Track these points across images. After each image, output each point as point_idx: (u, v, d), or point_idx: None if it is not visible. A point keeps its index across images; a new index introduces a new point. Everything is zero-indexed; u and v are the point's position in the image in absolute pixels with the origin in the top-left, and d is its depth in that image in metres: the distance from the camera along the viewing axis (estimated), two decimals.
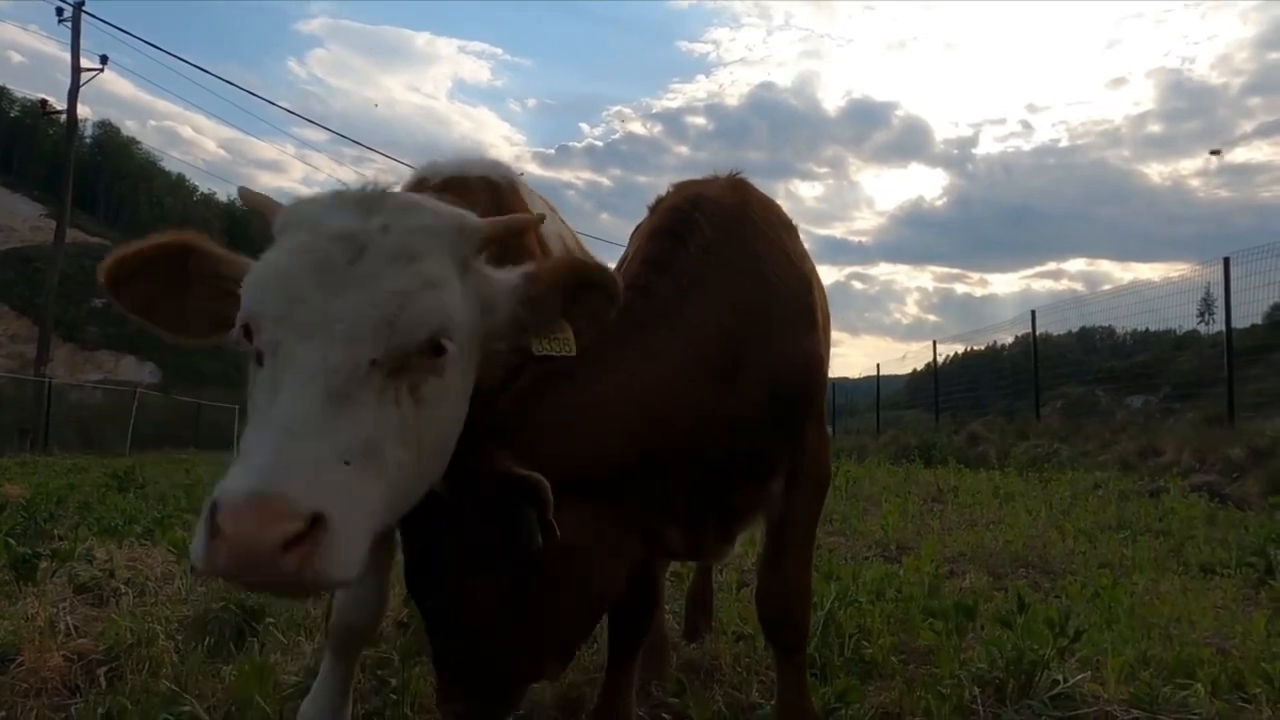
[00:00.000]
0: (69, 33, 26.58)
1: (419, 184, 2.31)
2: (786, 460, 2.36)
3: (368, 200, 1.57)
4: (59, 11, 26.51)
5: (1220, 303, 14.55)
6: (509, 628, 1.81)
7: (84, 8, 26.54)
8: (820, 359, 2.41)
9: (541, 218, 1.81)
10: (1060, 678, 2.91)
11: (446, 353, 1.51)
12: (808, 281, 2.46)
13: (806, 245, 3.17)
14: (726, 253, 2.26)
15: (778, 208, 2.64)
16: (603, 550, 1.95)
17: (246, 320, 1.47)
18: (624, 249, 2.74)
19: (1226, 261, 14.24)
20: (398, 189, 2.50)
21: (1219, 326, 15.01)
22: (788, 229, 2.58)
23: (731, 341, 2.16)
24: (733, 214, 2.36)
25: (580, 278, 1.79)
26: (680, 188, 2.55)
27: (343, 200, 1.57)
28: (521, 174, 2.84)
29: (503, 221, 1.71)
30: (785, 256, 2.41)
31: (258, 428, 1.34)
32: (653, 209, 2.57)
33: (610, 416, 1.95)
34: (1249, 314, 15.14)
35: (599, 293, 1.78)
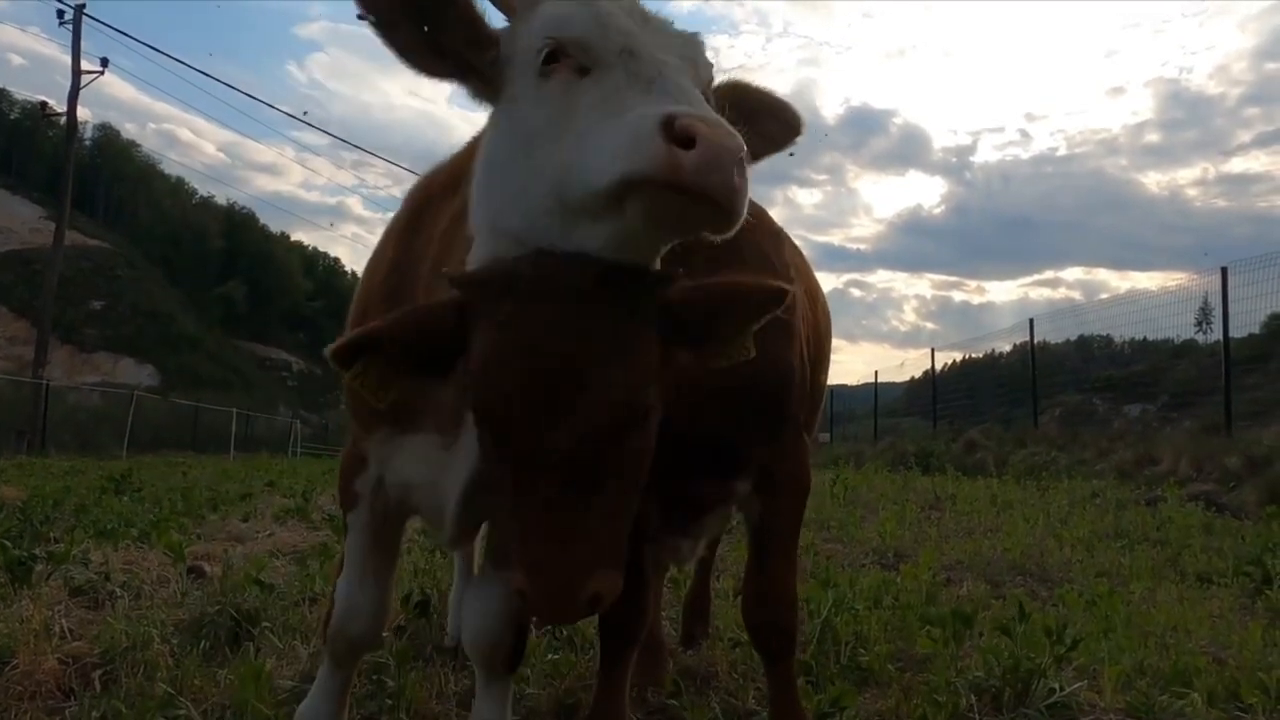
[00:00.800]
0: (69, 35, 26.65)
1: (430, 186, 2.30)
2: (756, 462, 2.36)
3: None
4: (60, 14, 26.58)
5: (1218, 312, 14.60)
6: (650, 434, 1.63)
7: (85, 10, 26.60)
8: (791, 367, 2.38)
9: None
10: (1057, 686, 2.91)
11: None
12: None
13: (806, 253, 3.17)
14: (715, 252, 2.26)
15: (767, 215, 2.64)
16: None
17: (559, 45, 1.45)
18: None
19: (1224, 271, 14.29)
20: (400, 190, 2.48)
21: (1217, 336, 15.08)
22: (774, 235, 2.57)
23: None
24: None
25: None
26: None
27: None
28: None
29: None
30: (765, 261, 2.41)
31: (635, 104, 1.35)
32: None
33: None
34: (1246, 323, 15.21)
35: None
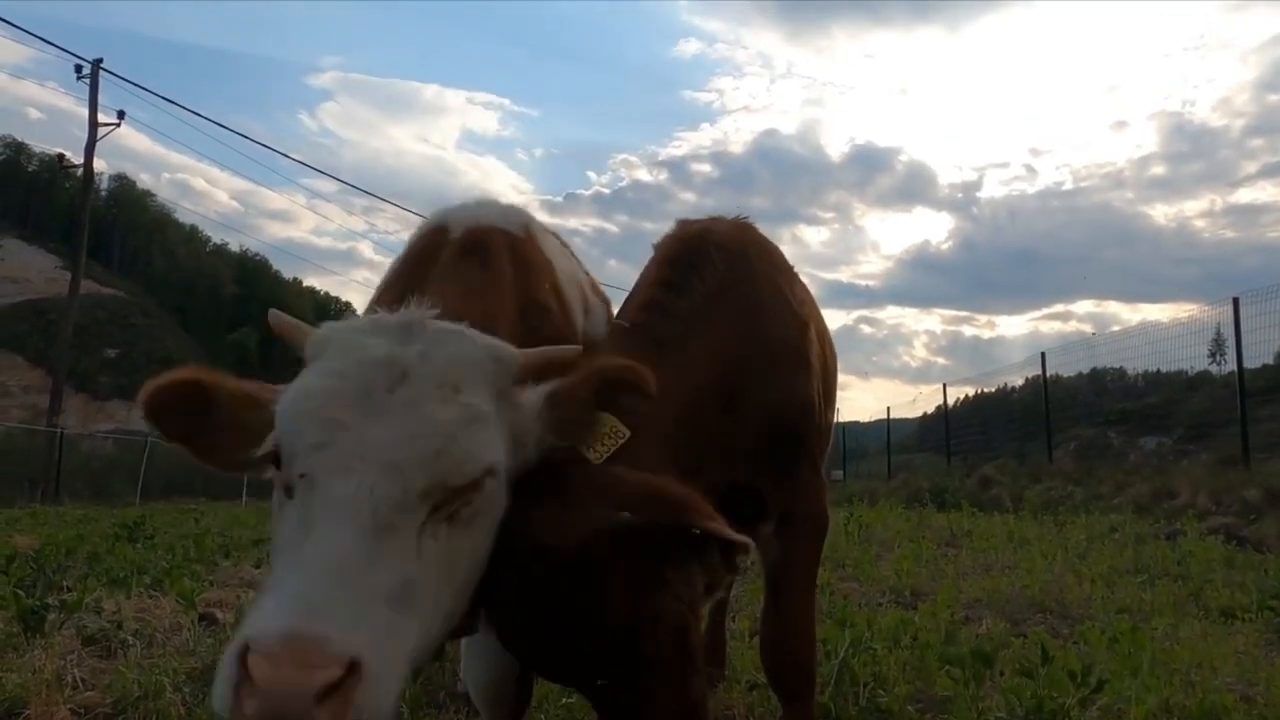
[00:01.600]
0: (86, 88, 27.15)
1: (437, 234, 2.32)
2: (779, 503, 2.35)
3: (406, 326, 1.52)
4: (78, 69, 27.08)
5: (1231, 343, 14.52)
6: (686, 630, 1.69)
7: (102, 65, 27.14)
8: (811, 401, 2.41)
9: (578, 350, 1.73)
10: None
11: (485, 488, 1.46)
12: (804, 326, 2.48)
13: (814, 290, 3.18)
14: (729, 293, 2.30)
15: (778, 251, 2.67)
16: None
17: (278, 447, 1.41)
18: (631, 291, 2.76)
19: (1236, 302, 14.23)
20: (409, 233, 2.50)
21: (1230, 367, 14.98)
22: (787, 273, 2.61)
23: (732, 377, 2.19)
24: (736, 256, 2.39)
25: (609, 383, 1.71)
26: (684, 225, 2.56)
27: (379, 326, 1.53)
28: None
29: (539, 355, 1.64)
30: (784, 300, 2.45)
31: (291, 564, 1.27)
32: (657, 247, 2.59)
33: (655, 429, 1.92)
34: (1260, 354, 15.13)
35: (630, 391, 1.72)
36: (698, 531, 1.60)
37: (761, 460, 2.26)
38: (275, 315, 1.63)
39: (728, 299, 2.28)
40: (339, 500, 1.29)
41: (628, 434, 1.74)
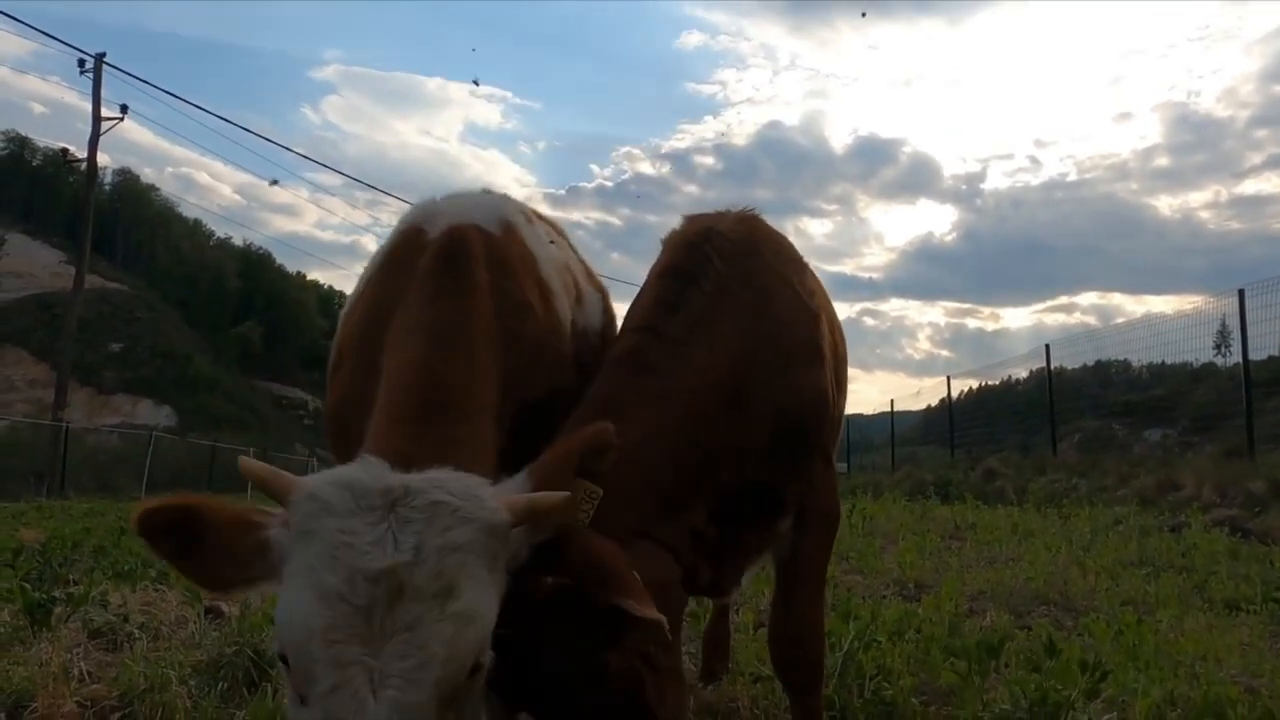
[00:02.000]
0: (89, 83, 27.17)
1: (413, 234, 2.32)
2: (795, 497, 2.35)
3: (390, 498, 1.49)
4: (81, 63, 27.09)
5: (1236, 335, 14.48)
6: (643, 684, 1.75)
7: (105, 59, 27.15)
8: (824, 392, 2.41)
9: (564, 499, 1.68)
10: (1086, 718, 2.86)
11: (484, 664, 1.51)
12: (815, 316, 2.48)
13: (822, 282, 3.17)
14: (736, 288, 2.30)
15: (787, 243, 2.66)
16: (674, 581, 1.99)
17: (285, 657, 1.44)
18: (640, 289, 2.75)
19: (1241, 294, 14.19)
20: (395, 224, 2.49)
21: (1236, 358, 14.94)
22: (796, 264, 2.60)
23: (740, 374, 2.20)
24: (743, 249, 2.39)
25: (579, 467, 1.75)
26: (692, 221, 2.57)
27: (363, 500, 1.49)
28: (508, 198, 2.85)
29: (527, 506, 1.62)
30: (793, 291, 2.44)
31: None
32: (665, 244, 2.60)
33: (644, 466, 1.97)
34: (1265, 346, 15.04)
35: (595, 454, 1.76)
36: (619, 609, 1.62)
37: (775, 456, 2.26)
38: (245, 464, 1.61)
39: (733, 296, 2.28)
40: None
41: (600, 492, 1.76)
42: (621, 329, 2.45)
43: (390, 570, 1.41)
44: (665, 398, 2.07)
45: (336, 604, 1.39)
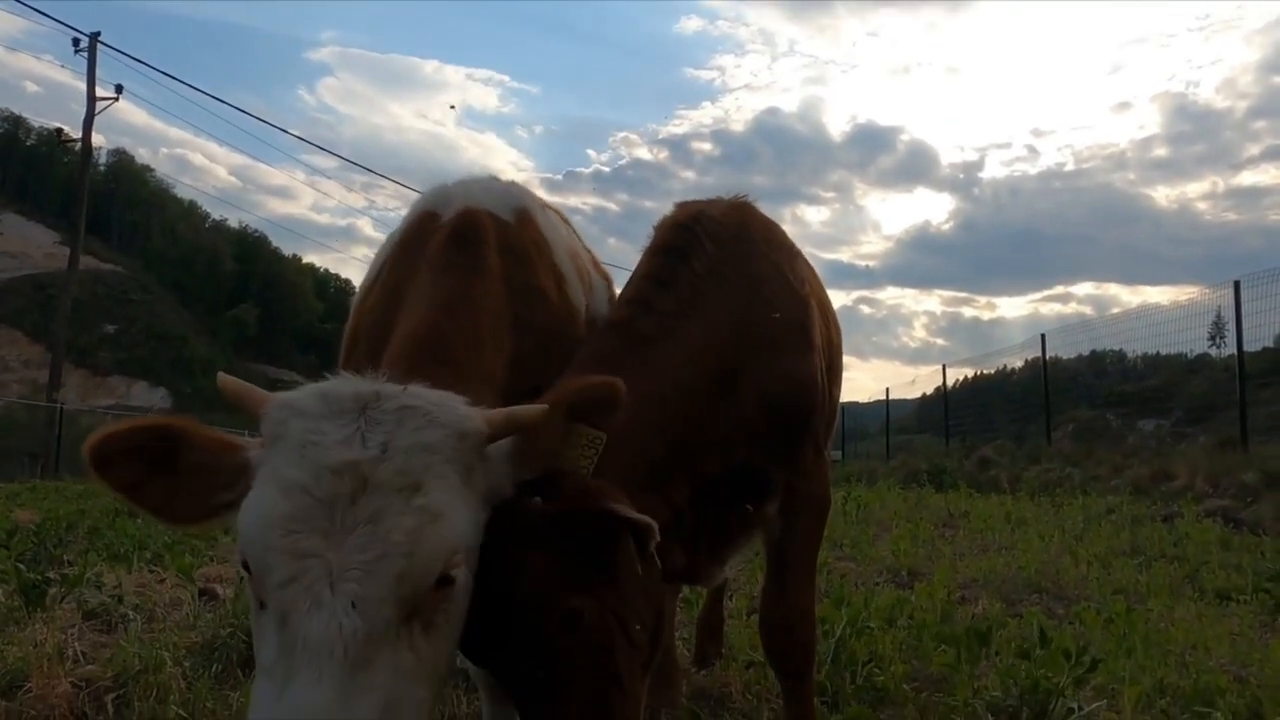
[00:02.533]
0: (84, 62, 26.98)
1: (427, 219, 2.31)
2: (783, 482, 2.35)
3: (361, 402, 1.47)
4: (75, 42, 26.89)
5: (1231, 326, 14.51)
6: (610, 646, 1.71)
7: (100, 38, 26.96)
8: (813, 379, 2.39)
9: (544, 410, 1.65)
10: (1075, 706, 2.88)
11: (457, 580, 1.47)
12: (805, 304, 2.46)
13: (816, 270, 3.17)
14: (727, 271, 2.29)
15: (779, 230, 2.65)
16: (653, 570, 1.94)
17: (246, 562, 1.40)
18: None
19: (1237, 285, 14.20)
20: (404, 211, 2.47)
21: (1230, 350, 14.97)
22: (788, 251, 2.59)
23: (729, 358, 2.19)
24: (735, 234, 2.38)
25: (576, 406, 1.70)
26: (684, 207, 2.56)
27: (335, 404, 1.47)
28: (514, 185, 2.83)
29: (505, 419, 1.59)
30: (783, 278, 2.43)
31: (272, 697, 1.29)
32: (657, 227, 2.59)
33: (631, 433, 1.93)
34: (1260, 337, 15.09)
35: (602, 407, 1.72)
36: (603, 514, 1.61)
37: (764, 440, 2.26)
38: (224, 379, 1.59)
39: (723, 280, 2.27)
40: (313, 641, 1.29)
41: (604, 438, 1.74)
42: (595, 329, 2.42)
43: (354, 463, 1.39)
44: (655, 367, 2.06)
45: (298, 496, 1.37)
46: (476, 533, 1.54)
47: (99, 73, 27.16)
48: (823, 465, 2.52)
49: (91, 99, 27.28)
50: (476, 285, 2.07)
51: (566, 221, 2.92)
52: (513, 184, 2.71)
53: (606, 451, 1.86)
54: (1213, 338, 17.24)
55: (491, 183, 2.62)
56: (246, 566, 1.39)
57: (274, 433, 1.46)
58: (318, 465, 1.38)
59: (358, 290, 2.63)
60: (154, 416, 1.54)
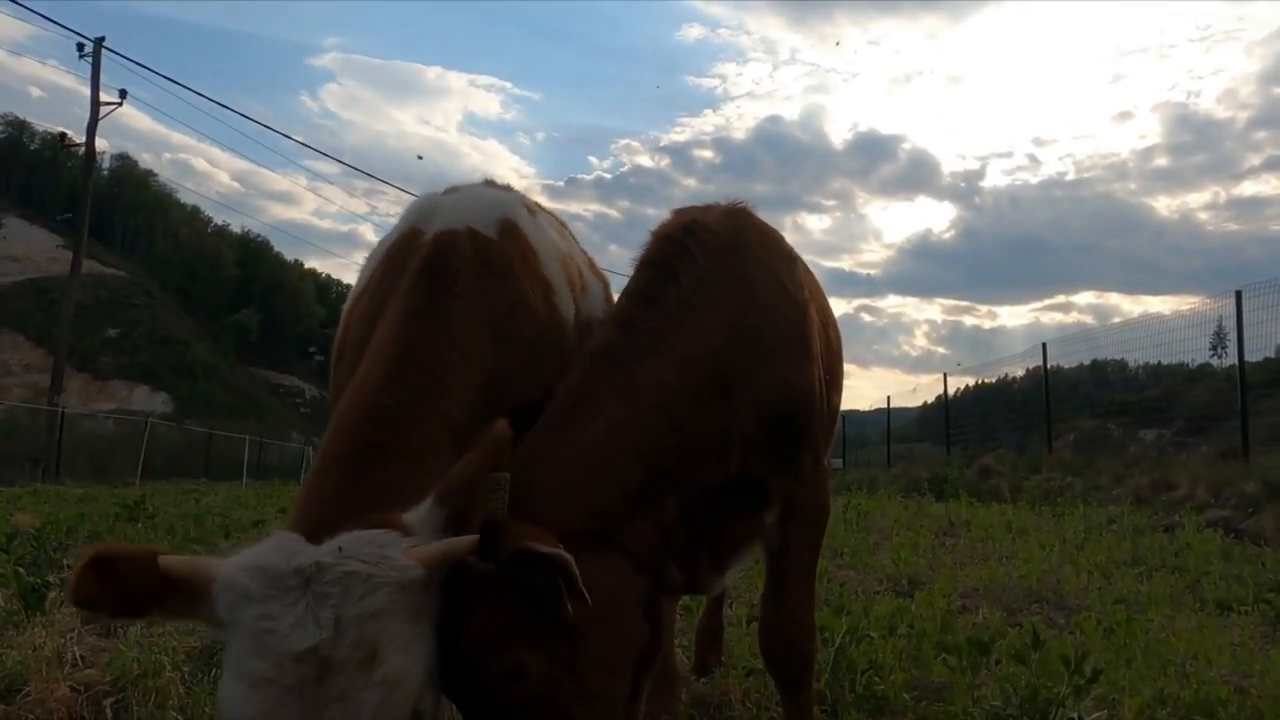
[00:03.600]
0: (88, 67, 27.06)
1: (412, 236, 2.32)
2: (781, 492, 2.34)
3: (303, 576, 1.51)
4: (80, 47, 26.98)
5: (1233, 336, 14.51)
6: (564, 698, 1.73)
7: (104, 43, 27.05)
8: (811, 388, 2.37)
9: (473, 541, 1.67)
10: (1076, 716, 2.87)
11: (425, 712, 1.58)
12: (803, 310, 2.43)
13: (817, 277, 3.16)
14: (719, 280, 2.26)
15: (777, 237, 2.62)
16: (629, 598, 1.93)
17: None
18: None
19: (1239, 295, 14.20)
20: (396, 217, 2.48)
21: (1232, 360, 14.97)
22: (786, 258, 2.55)
23: (721, 366, 2.16)
24: (728, 242, 2.35)
25: (481, 477, 1.75)
26: (678, 214, 2.55)
27: (277, 583, 1.51)
28: (510, 189, 2.81)
29: (438, 554, 1.62)
30: (780, 285, 2.40)
31: None
32: (650, 235, 2.57)
33: (603, 462, 1.94)
34: (1261, 347, 15.09)
35: (498, 457, 1.78)
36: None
37: (759, 451, 2.24)
38: (165, 560, 1.58)
39: (717, 289, 2.25)
40: None
41: (506, 477, 1.76)
42: (577, 356, 2.35)
43: (313, 649, 1.45)
44: (636, 391, 2.05)
45: (267, 688, 1.44)
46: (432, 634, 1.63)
47: (103, 77, 27.28)
48: (822, 473, 2.50)
49: (95, 104, 27.36)
50: (438, 325, 2.07)
51: (563, 225, 2.91)
52: (503, 191, 2.70)
53: (577, 488, 1.89)
54: (1214, 347, 17.25)
55: (479, 193, 2.60)
56: None
57: (228, 618, 1.52)
58: (278, 654, 1.46)
59: (349, 294, 2.65)
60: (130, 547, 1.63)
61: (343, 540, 1.57)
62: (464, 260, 2.19)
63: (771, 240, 2.56)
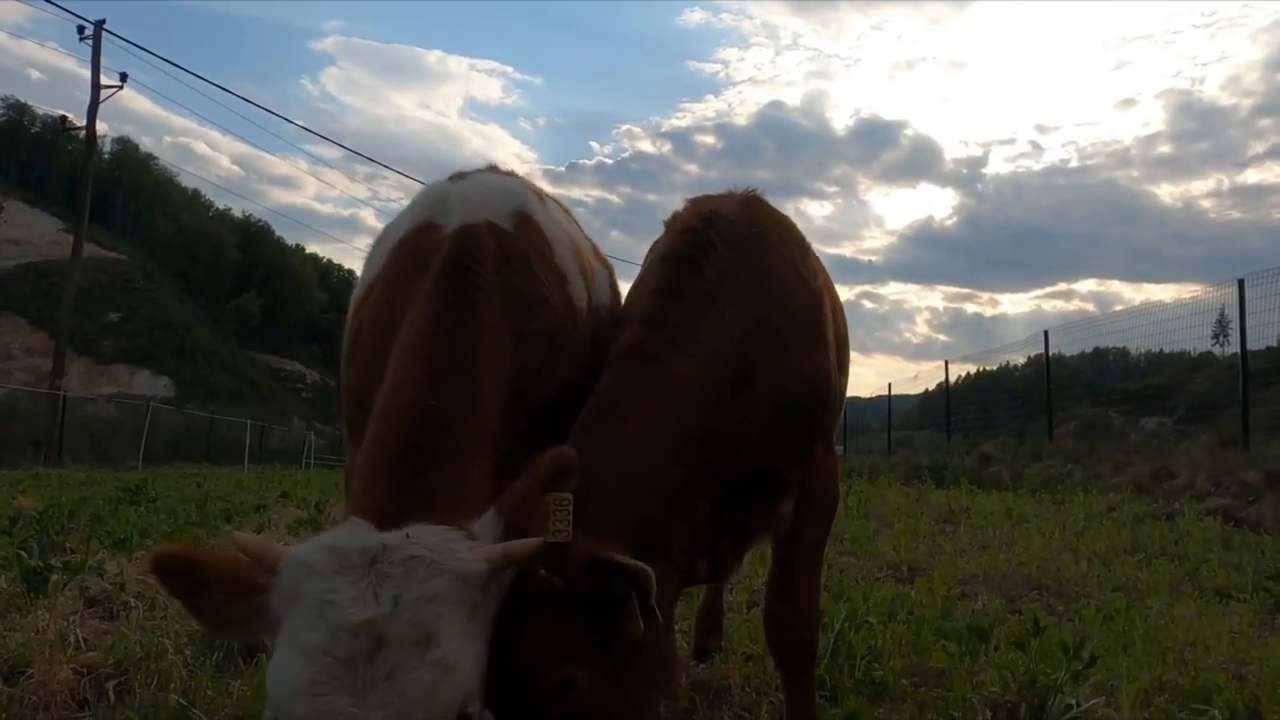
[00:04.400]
0: (89, 50, 26.95)
1: (429, 230, 2.29)
2: (796, 480, 2.35)
3: (369, 556, 1.55)
4: (80, 30, 26.86)
5: (1235, 325, 14.48)
6: (603, 715, 1.74)
7: (105, 26, 26.92)
8: (828, 375, 2.39)
9: (538, 544, 1.71)
10: (1074, 702, 2.88)
11: (473, 716, 1.56)
12: (818, 299, 2.45)
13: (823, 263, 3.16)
14: (739, 271, 2.27)
15: (791, 224, 2.63)
16: (672, 611, 1.97)
17: None
18: (640, 266, 2.74)
19: (1241, 283, 14.17)
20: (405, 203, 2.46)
21: (1234, 348, 14.94)
22: (800, 246, 2.57)
23: (743, 357, 2.18)
24: (746, 232, 2.37)
25: (543, 491, 1.77)
26: (695, 204, 2.56)
27: (344, 560, 1.54)
28: (514, 175, 2.78)
29: (501, 554, 1.65)
30: (796, 273, 2.42)
31: None
32: (668, 226, 2.58)
33: (647, 465, 1.96)
34: (1264, 336, 15.05)
35: (560, 478, 1.79)
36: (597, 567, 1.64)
37: (778, 439, 2.25)
38: (239, 537, 1.64)
39: (737, 280, 2.26)
40: None
41: (570, 498, 1.76)
42: (625, 317, 2.40)
43: (369, 622, 1.46)
44: (670, 389, 2.06)
45: (319, 658, 1.45)
46: (486, 643, 1.63)
47: (104, 60, 27.16)
48: (832, 460, 2.52)
49: (96, 87, 27.26)
50: (471, 325, 2.06)
51: (567, 212, 2.90)
52: (511, 178, 2.66)
53: (624, 490, 1.90)
54: (1216, 336, 17.23)
55: (491, 181, 2.57)
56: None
57: (290, 592, 1.53)
58: (335, 625, 1.47)
59: (358, 284, 2.62)
60: (185, 546, 1.62)
61: (411, 529, 1.60)
62: (487, 256, 2.17)
63: (785, 228, 2.57)
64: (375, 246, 2.57)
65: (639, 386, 2.06)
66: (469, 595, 1.58)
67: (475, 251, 2.16)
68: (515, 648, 1.66)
